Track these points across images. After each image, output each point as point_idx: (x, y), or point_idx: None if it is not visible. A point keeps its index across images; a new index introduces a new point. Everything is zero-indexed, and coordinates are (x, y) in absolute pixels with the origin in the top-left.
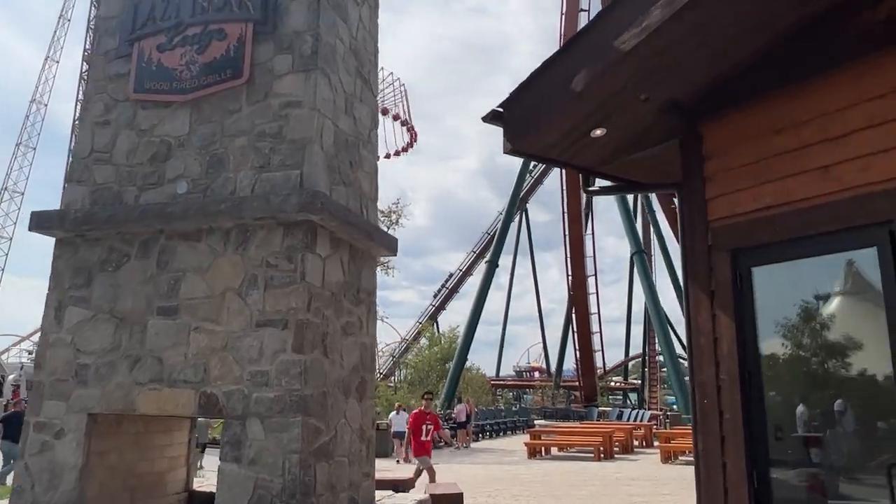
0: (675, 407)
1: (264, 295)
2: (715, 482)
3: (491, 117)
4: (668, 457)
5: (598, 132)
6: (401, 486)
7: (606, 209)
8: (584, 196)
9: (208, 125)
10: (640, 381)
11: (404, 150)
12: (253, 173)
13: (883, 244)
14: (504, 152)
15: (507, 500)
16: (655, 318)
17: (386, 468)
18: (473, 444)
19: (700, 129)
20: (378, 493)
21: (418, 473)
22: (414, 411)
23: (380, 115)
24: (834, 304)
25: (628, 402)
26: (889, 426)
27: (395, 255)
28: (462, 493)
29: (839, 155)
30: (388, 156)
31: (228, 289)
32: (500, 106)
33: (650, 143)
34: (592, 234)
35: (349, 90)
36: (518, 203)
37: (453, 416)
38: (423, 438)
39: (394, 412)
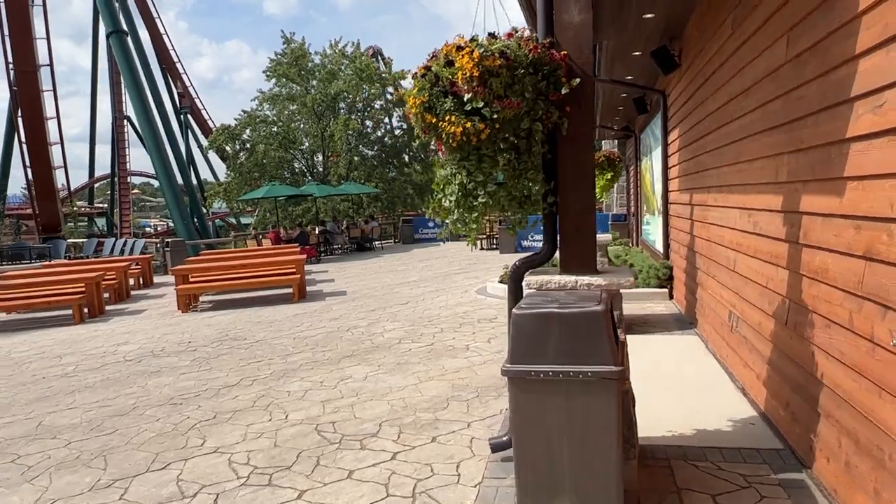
0: (158, 228)
1: None
2: None
3: None
4: (189, 303)
5: None
6: None
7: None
8: None
9: None
10: (107, 206)
11: None
12: None
13: None
14: None
15: None
16: (143, 119)
17: None
18: None
19: None
20: None
21: None
22: None
23: None
24: None
25: (95, 228)
26: None
27: None
28: None
29: None
30: None
31: None
32: None
33: None
34: (45, 13)
35: None
36: None
37: None
38: None
39: None
